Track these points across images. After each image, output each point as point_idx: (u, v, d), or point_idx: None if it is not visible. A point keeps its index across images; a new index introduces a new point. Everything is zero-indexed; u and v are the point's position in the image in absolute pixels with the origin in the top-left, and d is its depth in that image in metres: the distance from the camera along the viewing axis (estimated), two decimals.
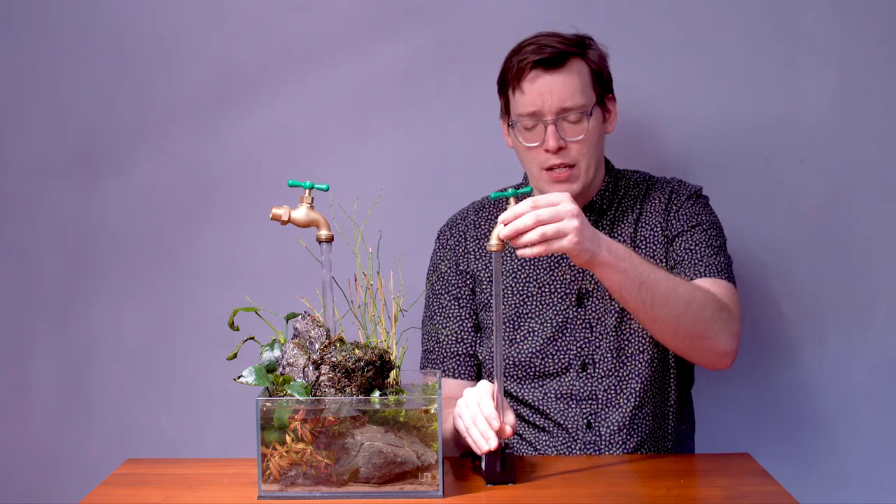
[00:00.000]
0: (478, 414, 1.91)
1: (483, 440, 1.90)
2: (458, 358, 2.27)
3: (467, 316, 2.28)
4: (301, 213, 1.95)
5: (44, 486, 2.72)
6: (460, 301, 2.28)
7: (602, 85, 2.21)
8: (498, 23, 2.59)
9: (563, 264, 2.23)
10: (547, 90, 2.15)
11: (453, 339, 2.27)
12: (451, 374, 2.27)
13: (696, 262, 2.18)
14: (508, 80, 2.20)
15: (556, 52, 2.16)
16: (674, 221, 2.22)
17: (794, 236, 2.60)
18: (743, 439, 2.59)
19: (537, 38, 2.19)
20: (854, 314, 2.61)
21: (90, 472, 2.58)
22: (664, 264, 2.21)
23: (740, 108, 2.59)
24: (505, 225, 1.85)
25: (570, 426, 2.20)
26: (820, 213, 2.60)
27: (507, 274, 2.25)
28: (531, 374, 2.22)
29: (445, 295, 2.29)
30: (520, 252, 1.86)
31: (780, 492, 1.89)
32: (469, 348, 2.27)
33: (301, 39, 2.62)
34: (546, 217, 1.85)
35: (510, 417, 1.92)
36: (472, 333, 2.28)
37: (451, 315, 2.28)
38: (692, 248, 2.19)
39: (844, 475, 2.63)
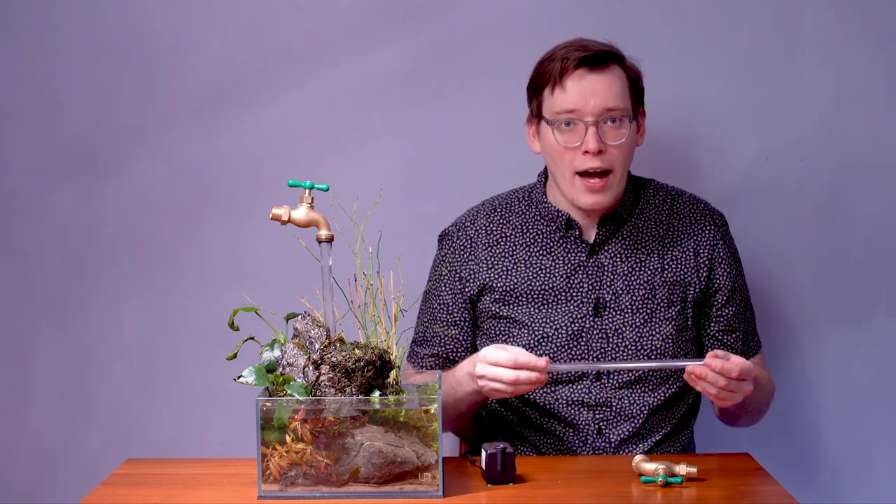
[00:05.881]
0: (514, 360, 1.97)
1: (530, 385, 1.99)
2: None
3: (465, 336, 2.25)
4: (301, 213, 1.95)
5: (44, 486, 2.72)
6: (453, 313, 2.24)
7: (637, 96, 2.20)
8: (498, 23, 2.59)
9: (581, 272, 2.20)
10: (590, 90, 2.12)
11: (451, 345, 2.25)
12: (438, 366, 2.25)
13: (746, 338, 2.25)
14: (547, 78, 2.15)
15: (600, 50, 2.14)
16: (714, 271, 2.22)
17: (794, 236, 2.60)
18: (743, 439, 2.59)
19: (576, 40, 2.17)
20: (854, 314, 2.61)
21: (90, 472, 2.58)
22: (692, 287, 2.20)
23: (740, 108, 2.59)
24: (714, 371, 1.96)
25: (580, 427, 2.18)
26: (820, 213, 2.60)
27: (523, 280, 2.21)
28: None
29: (440, 298, 2.25)
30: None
31: (780, 492, 1.89)
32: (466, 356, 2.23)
33: (301, 39, 2.62)
34: (734, 386, 1.98)
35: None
36: (470, 349, 2.24)
37: (448, 321, 2.25)
38: (740, 322, 2.24)
39: (844, 475, 2.63)
